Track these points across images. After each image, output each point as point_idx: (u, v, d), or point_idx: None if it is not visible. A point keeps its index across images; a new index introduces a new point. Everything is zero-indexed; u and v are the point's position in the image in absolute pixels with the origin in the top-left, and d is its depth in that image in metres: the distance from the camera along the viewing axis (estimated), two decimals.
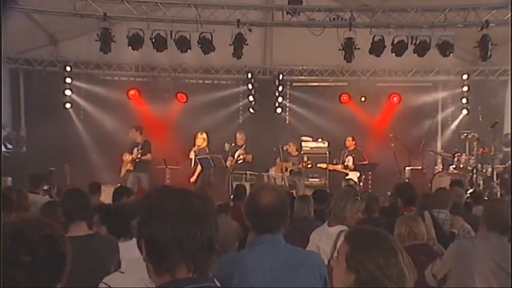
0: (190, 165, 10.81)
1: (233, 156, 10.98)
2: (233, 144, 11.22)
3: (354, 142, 11.30)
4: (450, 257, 3.34)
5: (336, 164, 11.35)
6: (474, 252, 3.17)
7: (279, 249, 2.49)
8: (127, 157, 10.49)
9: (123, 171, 10.49)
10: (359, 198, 3.69)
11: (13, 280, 1.37)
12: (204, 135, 10.90)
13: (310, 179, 11.76)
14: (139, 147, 10.38)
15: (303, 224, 4.87)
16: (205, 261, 1.49)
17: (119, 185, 8.86)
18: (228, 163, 10.87)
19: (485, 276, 3.10)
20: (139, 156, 10.28)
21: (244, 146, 11.10)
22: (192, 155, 10.66)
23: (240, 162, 10.95)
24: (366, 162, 11.22)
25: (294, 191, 10.76)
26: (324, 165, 11.36)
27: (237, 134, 11.29)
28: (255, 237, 2.53)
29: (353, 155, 11.20)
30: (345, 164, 11.24)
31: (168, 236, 1.44)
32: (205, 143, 10.79)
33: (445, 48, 10.01)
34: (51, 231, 1.47)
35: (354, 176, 11.01)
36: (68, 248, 1.49)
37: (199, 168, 10.63)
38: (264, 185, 3.35)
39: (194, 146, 10.85)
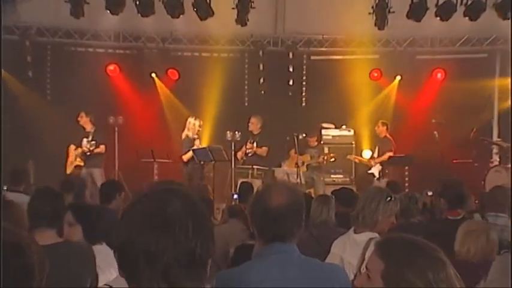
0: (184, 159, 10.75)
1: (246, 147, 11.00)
2: (238, 133, 11.21)
3: (384, 128, 11.28)
4: (494, 277, 3.33)
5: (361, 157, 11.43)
6: None
7: (291, 261, 2.50)
8: (74, 150, 10.46)
9: (70, 167, 10.48)
10: (393, 199, 3.69)
11: None
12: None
13: (332, 176, 11.76)
14: (90, 138, 10.37)
15: (321, 230, 4.89)
16: (183, 279, 1.46)
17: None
18: (239, 155, 10.87)
19: None
20: (91, 148, 10.25)
21: (256, 138, 11.01)
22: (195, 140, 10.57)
23: (249, 155, 10.97)
24: (402, 155, 11.21)
25: (311, 190, 10.80)
26: (352, 157, 11.43)
27: (252, 118, 11.26)
28: (262, 247, 2.54)
29: (379, 145, 11.22)
30: (373, 155, 11.27)
31: (135, 245, 1.45)
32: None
33: (505, 9, 9.88)
34: (18, 239, 1.49)
35: (376, 169, 11.03)
36: (37, 258, 1.51)
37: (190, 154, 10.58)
38: (274, 183, 3.37)
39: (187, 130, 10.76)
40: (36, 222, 3.38)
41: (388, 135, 11.34)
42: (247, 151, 10.90)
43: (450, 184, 5.33)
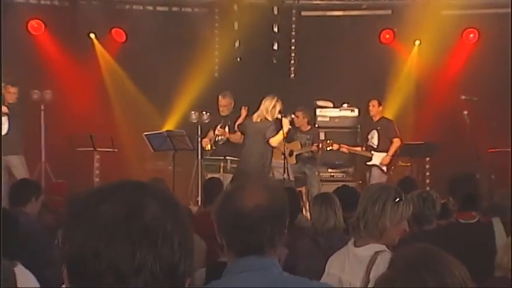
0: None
1: (214, 132, 11.00)
2: (206, 113, 11.22)
3: (380, 109, 11.31)
4: None
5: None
6: None
7: (271, 279, 2.52)
8: None
9: None
10: (403, 199, 3.72)
11: None
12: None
13: (330, 170, 11.84)
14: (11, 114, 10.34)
15: (330, 240, 4.96)
16: None
17: None
18: (204, 143, 10.85)
19: None
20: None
21: (227, 120, 10.99)
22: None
23: (220, 143, 10.98)
24: (421, 142, 11.31)
25: (303, 189, 10.86)
26: (345, 148, 11.41)
27: (220, 98, 11.20)
28: (233, 262, 2.57)
29: (378, 129, 11.26)
30: (368, 143, 11.28)
31: (94, 261, 1.46)
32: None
33: None
34: None
35: (378, 159, 11.03)
36: None
37: None
38: (247, 179, 3.40)
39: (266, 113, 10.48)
40: None
41: (385, 117, 11.36)
42: (217, 138, 10.88)
43: (461, 179, 5.43)
